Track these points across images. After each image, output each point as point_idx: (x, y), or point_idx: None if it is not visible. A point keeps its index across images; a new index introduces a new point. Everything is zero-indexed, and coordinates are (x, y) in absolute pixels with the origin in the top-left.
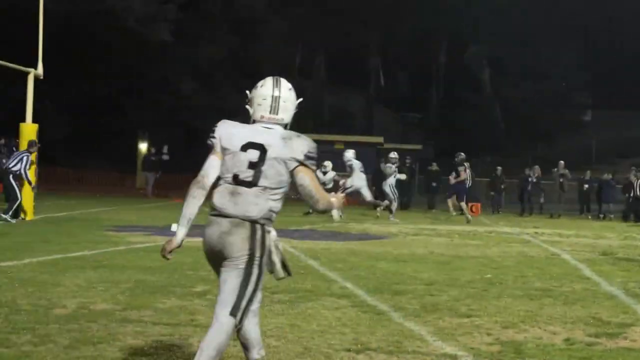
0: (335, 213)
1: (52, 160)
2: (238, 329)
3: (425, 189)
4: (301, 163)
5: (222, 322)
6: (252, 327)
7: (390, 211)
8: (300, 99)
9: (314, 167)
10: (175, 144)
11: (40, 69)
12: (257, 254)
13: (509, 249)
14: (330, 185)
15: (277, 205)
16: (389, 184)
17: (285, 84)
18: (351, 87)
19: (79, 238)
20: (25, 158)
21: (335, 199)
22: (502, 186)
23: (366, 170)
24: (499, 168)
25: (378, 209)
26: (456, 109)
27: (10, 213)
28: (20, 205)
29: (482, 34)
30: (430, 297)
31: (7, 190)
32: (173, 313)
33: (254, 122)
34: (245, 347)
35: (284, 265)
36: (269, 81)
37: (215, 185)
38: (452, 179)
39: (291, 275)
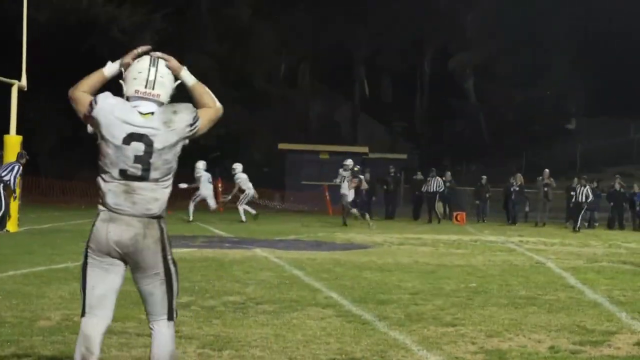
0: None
1: (37, 172)
2: None
3: (412, 198)
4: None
5: (164, 332)
6: None
7: (362, 217)
8: (179, 81)
9: (197, 128)
10: None
11: (24, 80)
12: (169, 251)
13: (494, 257)
14: (244, 187)
15: (169, 193)
16: (343, 194)
17: (162, 62)
18: (337, 96)
19: (63, 250)
20: (16, 167)
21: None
22: (487, 195)
23: None
24: (484, 177)
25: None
26: (442, 118)
27: None
28: (5, 215)
29: (466, 41)
30: (415, 307)
31: None
32: None
33: (128, 99)
34: None
35: None
36: (146, 57)
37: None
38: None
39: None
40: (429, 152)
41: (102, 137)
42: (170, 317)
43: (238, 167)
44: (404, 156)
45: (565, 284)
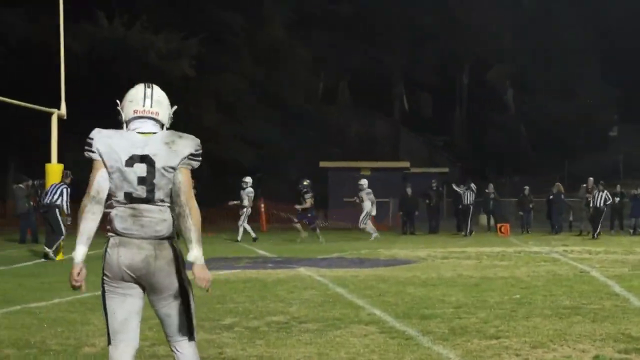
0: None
1: (79, 199)
2: None
3: (454, 211)
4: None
5: (187, 353)
6: None
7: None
8: (175, 107)
9: (198, 164)
10: (200, 176)
11: (63, 109)
12: (182, 271)
13: (537, 268)
14: (245, 203)
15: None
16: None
17: (157, 87)
18: (376, 112)
19: None
20: (65, 191)
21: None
22: (531, 205)
23: (392, 195)
24: (527, 187)
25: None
26: (481, 130)
27: (54, 248)
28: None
29: (504, 53)
30: (459, 320)
31: (53, 225)
32: (202, 347)
33: (127, 125)
34: None
35: None
36: (140, 84)
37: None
38: (298, 207)
39: None
40: (470, 165)
41: (106, 165)
42: (191, 338)
43: (248, 181)
44: (446, 169)
45: (610, 292)
